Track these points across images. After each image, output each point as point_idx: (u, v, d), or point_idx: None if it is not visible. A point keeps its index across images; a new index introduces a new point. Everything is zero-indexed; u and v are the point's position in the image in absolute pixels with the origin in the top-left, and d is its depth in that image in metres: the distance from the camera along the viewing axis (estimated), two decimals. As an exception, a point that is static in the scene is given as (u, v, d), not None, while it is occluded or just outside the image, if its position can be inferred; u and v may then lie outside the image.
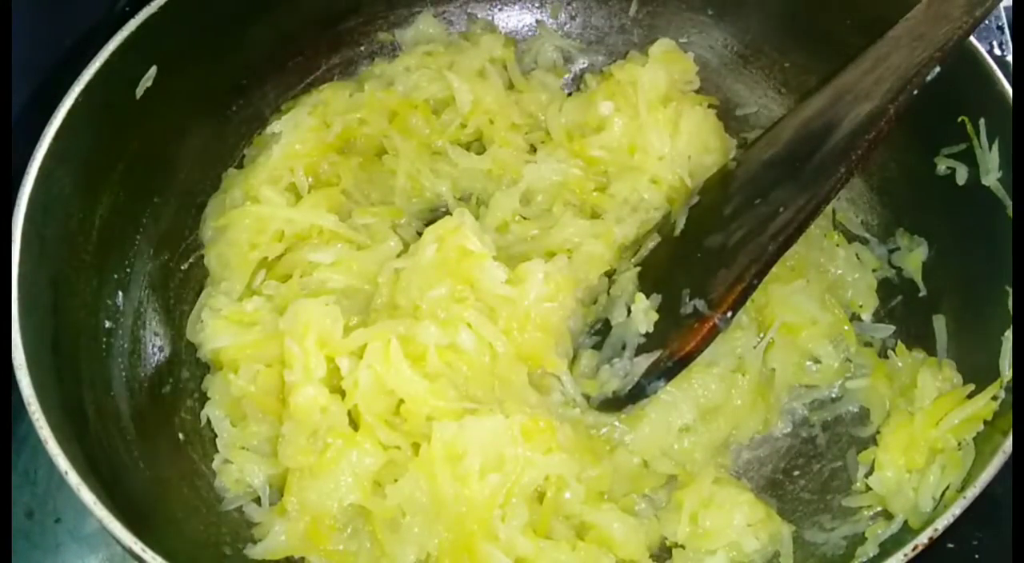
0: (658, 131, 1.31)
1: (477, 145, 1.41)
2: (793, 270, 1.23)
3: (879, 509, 1.10)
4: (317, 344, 1.10)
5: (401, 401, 1.09)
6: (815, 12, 1.31)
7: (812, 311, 1.21)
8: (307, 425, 1.08)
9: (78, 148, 1.09)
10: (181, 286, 1.28)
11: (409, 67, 1.41)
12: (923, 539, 0.92)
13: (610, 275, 1.25)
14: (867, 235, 1.31)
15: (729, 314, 1.07)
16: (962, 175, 1.15)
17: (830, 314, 1.22)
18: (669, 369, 1.11)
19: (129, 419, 1.13)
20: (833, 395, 1.23)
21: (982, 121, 1.11)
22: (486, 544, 1.02)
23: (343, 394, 1.10)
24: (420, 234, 1.22)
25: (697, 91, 1.40)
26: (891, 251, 1.28)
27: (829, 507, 1.14)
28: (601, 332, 1.19)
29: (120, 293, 1.20)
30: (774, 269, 1.08)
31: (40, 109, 1.07)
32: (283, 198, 1.26)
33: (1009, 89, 1.06)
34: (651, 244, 1.25)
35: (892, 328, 1.25)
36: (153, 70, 1.17)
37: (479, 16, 1.51)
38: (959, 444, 1.05)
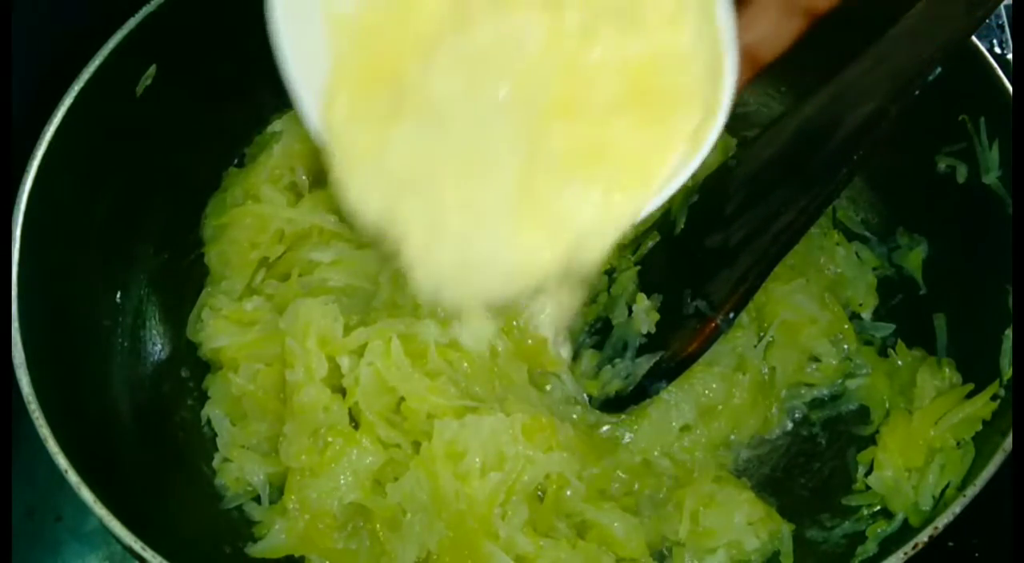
0: (657, 129, 1.30)
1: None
2: (793, 269, 1.23)
3: (879, 508, 1.10)
4: (318, 343, 1.10)
5: (402, 399, 1.09)
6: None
7: (812, 310, 1.21)
8: (309, 424, 1.08)
9: (78, 148, 1.09)
10: (181, 285, 1.28)
11: (409, 65, 1.40)
12: (923, 537, 0.92)
13: (610, 273, 1.25)
14: (867, 233, 1.31)
15: (731, 315, 1.07)
16: (962, 173, 1.15)
17: (830, 312, 1.22)
18: (671, 370, 1.11)
19: (129, 419, 1.13)
20: (833, 394, 1.23)
21: (982, 120, 1.11)
22: (487, 542, 1.02)
23: (344, 393, 1.10)
24: (420, 233, 1.23)
25: (697, 89, 1.40)
26: (891, 249, 1.28)
27: (829, 506, 1.14)
28: (602, 331, 1.19)
29: (120, 292, 1.20)
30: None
31: (40, 109, 1.07)
32: (284, 197, 1.26)
33: (1009, 88, 1.06)
34: (651, 243, 1.24)
35: (892, 326, 1.24)
36: (153, 69, 1.16)
37: (479, 14, 1.50)
38: (958, 443, 1.05)
